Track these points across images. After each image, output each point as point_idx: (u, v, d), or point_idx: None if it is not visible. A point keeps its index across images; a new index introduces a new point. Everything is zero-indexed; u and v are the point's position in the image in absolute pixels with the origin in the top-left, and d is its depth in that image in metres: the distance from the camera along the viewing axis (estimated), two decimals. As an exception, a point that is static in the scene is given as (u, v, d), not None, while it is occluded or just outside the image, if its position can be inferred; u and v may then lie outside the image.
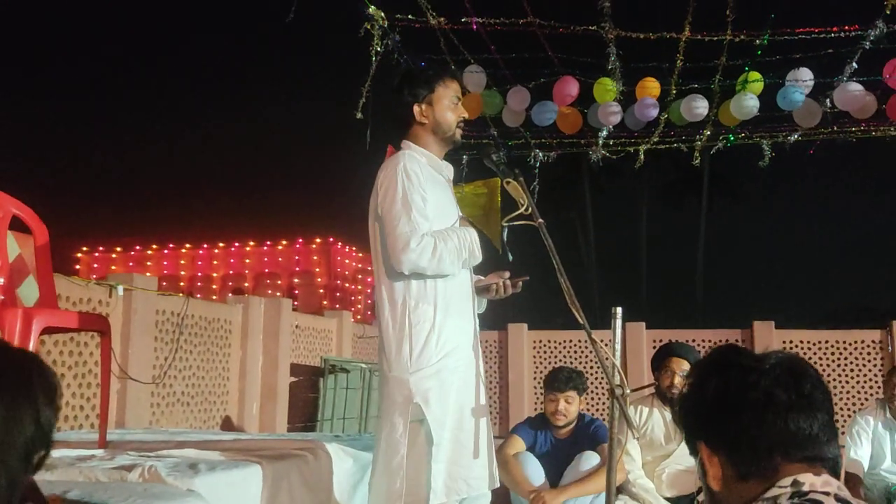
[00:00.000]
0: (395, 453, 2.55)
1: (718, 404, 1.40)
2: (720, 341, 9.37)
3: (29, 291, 3.76)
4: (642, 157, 8.15)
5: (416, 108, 2.77)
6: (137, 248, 22.10)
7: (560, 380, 4.17)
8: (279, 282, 20.79)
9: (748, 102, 6.71)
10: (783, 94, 6.67)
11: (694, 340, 9.25)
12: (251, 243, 21.61)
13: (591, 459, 3.97)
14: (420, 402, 2.53)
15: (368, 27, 6.18)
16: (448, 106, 2.77)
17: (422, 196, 2.63)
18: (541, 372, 9.62)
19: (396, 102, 2.83)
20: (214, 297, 16.86)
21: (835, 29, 6.06)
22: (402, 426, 2.55)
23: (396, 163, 2.70)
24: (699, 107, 6.90)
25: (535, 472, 4.04)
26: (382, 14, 6.14)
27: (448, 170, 2.90)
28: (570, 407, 4.18)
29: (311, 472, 3.04)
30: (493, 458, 2.72)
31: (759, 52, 6.50)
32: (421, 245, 2.56)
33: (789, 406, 1.35)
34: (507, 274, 2.73)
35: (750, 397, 1.37)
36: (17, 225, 3.38)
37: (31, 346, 2.81)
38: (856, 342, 9.10)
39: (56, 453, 2.72)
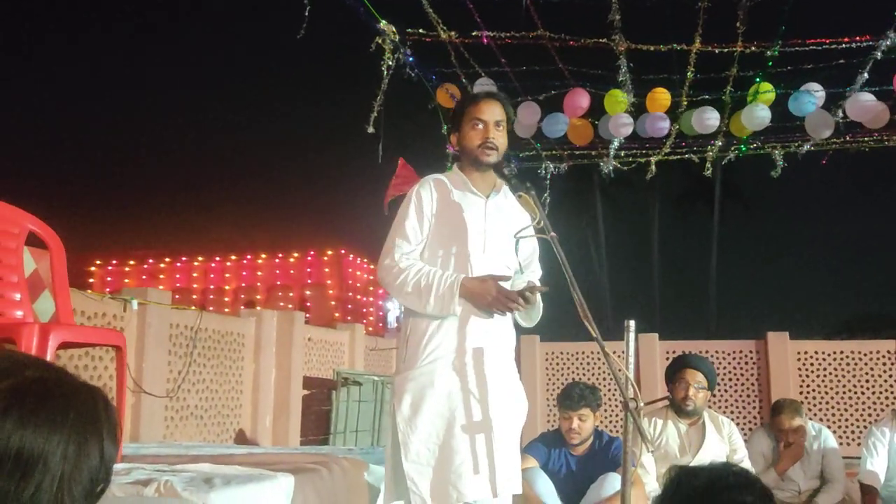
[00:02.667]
0: (386, 451, 2.79)
1: None
2: (734, 352, 9.34)
3: (45, 306, 3.79)
4: (654, 167, 8.14)
5: (452, 139, 2.98)
6: (150, 261, 22.23)
7: (572, 398, 4.13)
8: (291, 294, 20.84)
9: (760, 113, 6.70)
10: (795, 98, 6.67)
11: (708, 352, 9.21)
12: (263, 256, 21.70)
13: (615, 482, 3.86)
14: (394, 401, 2.71)
15: (380, 41, 6.22)
16: (468, 132, 2.87)
17: (417, 219, 2.79)
18: (553, 384, 9.60)
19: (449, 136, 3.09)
20: (227, 310, 16.91)
21: (846, 40, 6.05)
22: (390, 425, 2.76)
23: (417, 184, 2.90)
24: (710, 118, 6.90)
25: (545, 489, 3.98)
26: (394, 28, 6.18)
27: (499, 187, 2.93)
28: (584, 424, 4.14)
29: (326, 486, 3.04)
30: (497, 468, 2.65)
31: (770, 63, 6.50)
32: (390, 264, 2.75)
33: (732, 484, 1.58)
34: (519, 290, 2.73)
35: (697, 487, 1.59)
36: (33, 240, 3.41)
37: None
38: (871, 353, 9.04)
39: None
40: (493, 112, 2.85)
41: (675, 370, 4.32)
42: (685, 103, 7.06)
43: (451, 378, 2.68)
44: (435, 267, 2.75)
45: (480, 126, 2.84)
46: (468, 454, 2.61)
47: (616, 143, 7.62)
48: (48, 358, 2.80)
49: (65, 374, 1.09)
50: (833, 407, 9.01)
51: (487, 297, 2.65)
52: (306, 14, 5.40)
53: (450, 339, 2.71)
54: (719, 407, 9.07)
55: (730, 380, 9.31)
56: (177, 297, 9.92)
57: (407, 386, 2.69)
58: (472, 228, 2.80)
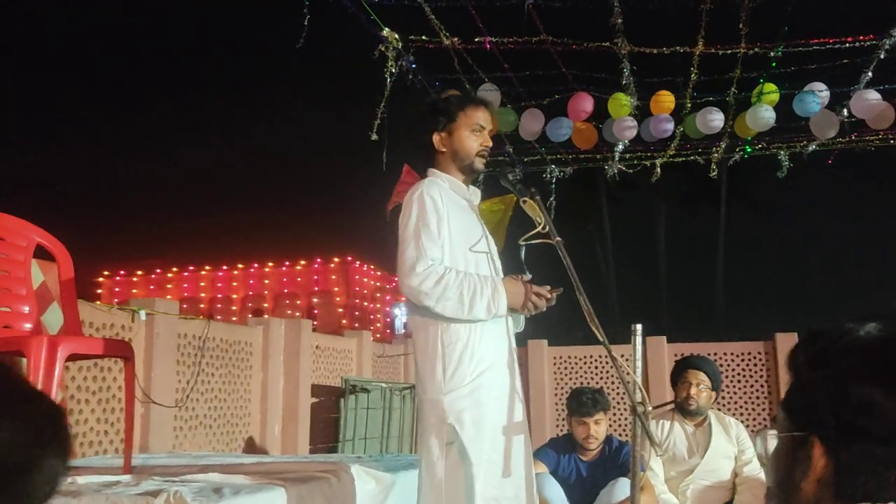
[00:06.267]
0: (433, 476, 2.54)
1: (874, 424, 1.10)
2: (743, 354, 9.31)
3: (53, 318, 3.81)
4: (659, 170, 8.14)
5: (435, 137, 2.78)
6: (158, 271, 22.28)
7: (586, 404, 4.10)
8: (298, 302, 20.86)
9: (764, 114, 6.70)
10: (799, 99, 6.66)
11: (716, 354, 9.18)
12: (270, 264, 21.72)
13: (625, 487, 3.81)
14: (454, 423, 2.52)
15: (383, 49, 6.24)
16: (468, 135, 2.76)
17: (436, 222, 2.62)
18: (562, 388, 9.58)
19: (418, 130, 2.83)
20: (234, 319, 16.95)
21: (849, 39, 6.05)
22: (437, 448, 2.55)
23: (416, 189, 2.71)
24: (715, 119, 6.90)
25: (554, 494, 3.97)
26: (396, 36, 6.20)
27: (475, 195, 2.90)
28: (599, 428, 4.13)
29: (335, 494, 3.04)
30: (531, 476, 2.68)
31: (774, 64, 6.50)
32: (427, 270, 2.54)
33: None
34: (547, 287, 2.68)
35: None
36: (41, 252, 3.43)
37: (56, 374, 2.84)
38: (880, 352, 8.99)
39: (81, 480, 2.74)
40: (489, 119, 2.83)
41: (679, 371, 4.35)
42: (689, 105, 7.06)
43: (502, 382, 2.63)
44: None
45: (483, 131, 2.79)
46: (508, 465, 2.58)
47: (620, 147, 7.63)
48: (57, 370, 2.81)
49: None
50: (843, 407, 8.96)
51: (522, 296, 2.62)
52: (305, 24, 5.43)
53: (491, 348, 2.63)
54: (728, 408, 9.04)
55: (739, 381, 9.28)
56: (184, 306, 9.94)
57: (462, 404, 2.53)
58: (476, 235, 2.78)
